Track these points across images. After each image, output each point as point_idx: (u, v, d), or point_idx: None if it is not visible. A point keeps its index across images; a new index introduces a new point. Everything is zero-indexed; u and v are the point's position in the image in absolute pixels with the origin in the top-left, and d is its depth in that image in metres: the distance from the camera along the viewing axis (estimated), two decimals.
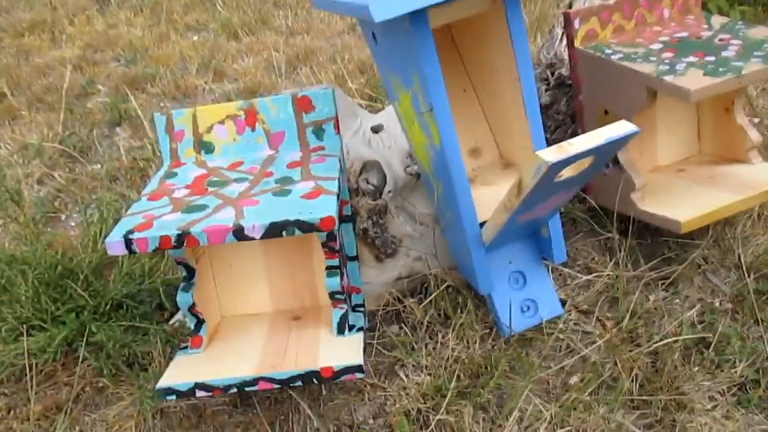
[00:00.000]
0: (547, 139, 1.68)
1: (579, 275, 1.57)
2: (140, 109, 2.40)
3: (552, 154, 0.89)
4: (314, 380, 1.19)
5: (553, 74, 1.80)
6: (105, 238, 1.77)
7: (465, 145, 1.47)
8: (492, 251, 1.39)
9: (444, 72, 1.27)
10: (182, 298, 1.29)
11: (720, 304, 1.52)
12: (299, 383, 1.19)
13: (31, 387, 1.46)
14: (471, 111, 1.48)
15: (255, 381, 1.19)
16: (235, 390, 1.20)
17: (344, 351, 1.24)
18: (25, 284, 1.55)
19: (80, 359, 1.52)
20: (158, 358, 1.48)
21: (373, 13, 1.02)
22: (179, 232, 1.08)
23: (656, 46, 1.46)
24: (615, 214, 1.54)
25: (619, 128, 0.92)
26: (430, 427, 1.29)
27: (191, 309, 1.30)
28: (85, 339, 1.52)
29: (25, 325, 1.54)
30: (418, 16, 1.12)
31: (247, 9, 3.19)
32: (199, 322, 1.34)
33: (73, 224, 1.99)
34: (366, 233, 1.49)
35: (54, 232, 1.89)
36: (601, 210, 1.65)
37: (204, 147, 1.40)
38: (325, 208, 1.09)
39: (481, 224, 1.31)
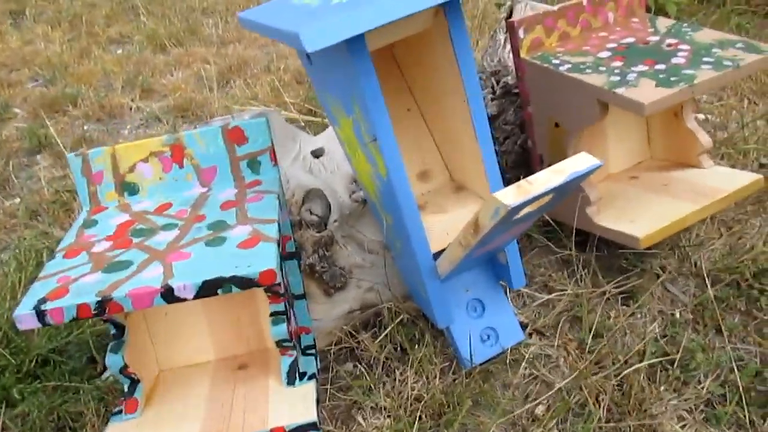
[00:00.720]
0: (497, 152, 1.61)
1: (538, 295, 1.51)
2: (60, 136, 2.22)
3: (511, 195, 0.81)
4: None
5: (498, 82, 1.73)
6: (24, 288, 1.63)
7: (413, 169, 1.39)
8: (447, 281, 1.31)
9: (386, 92, 1.18)
10: (112, 360, 1.16)
11: (680, 315, 1.48)
12: None
13: None
14: (417, 131, 1.40)
15: None
16: None
17: (296, 406, 1.13)
18: None
19: (5, 428, 1.38)
20: (91, 419, 1.34)
21: (304, 42, 0.92)
22: (99, 299, 0.96)
23: (604, 54, 1.40)
24: (573, 230, 1.48)
25: (582, 162, 0.84)
26: None
27: (123, 371, 1.18)
28: (6, 406, 1.37)
29: None
30: (354, 40, 1.02)
31: (174, 19, 3.02)
32: (134, 383, 1.21)
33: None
34: (313, 268, 1.39)
35: None
36: (556, 224, 1.59)
37: (127, 188, 1.27)
38: (265, 259, 0.99)
39: (435, 254, 1.23)
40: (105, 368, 1.49)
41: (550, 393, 1.32)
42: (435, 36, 1.16)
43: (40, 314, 0.95)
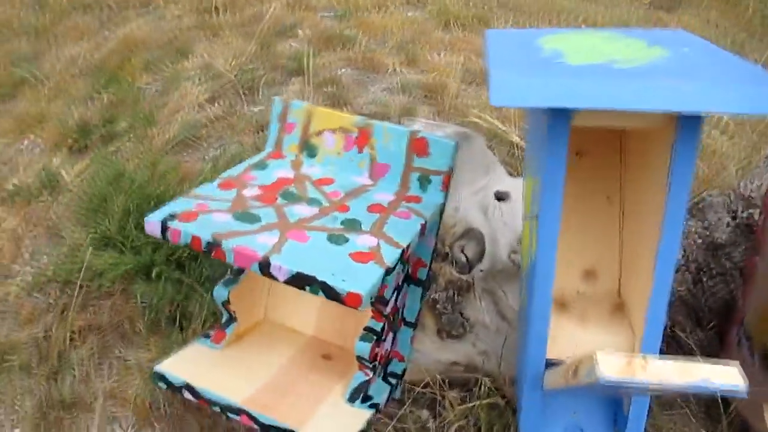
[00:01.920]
0: (693, 289, 1.37)
1: None
2: (318, 69, 2.38)
3: (611, 367, 0.66)
4: None
5: (743, 209, 1.45)
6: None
7: (581, 263, 1.22)
8: (556, 393, 1.15)
9: (595, 169, 1.05)
10: (218, 293, 1.23)
11: None
12: None
13: (76, 300, 1.50)
14: (606, 225, 1.22)
15: (239, 412, 1.10)
16: (217, 409, 1.12)
17: (337, 428, 1.10)
18: (115, 202, 1.59)
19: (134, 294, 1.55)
20: (195, 326, 1.45)
21: (491, 94, 0.83)
22: (211, 240, 1.00)
23: None
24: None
25: (722, 376, 0.65)
26: None
27: (224, 305, 1.24)
28: (147, 277, 1.54)
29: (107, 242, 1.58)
30: (558, 113, 0.90)
31: (470, 3, 3.02)
32: (230, 320, 1.27)
33: (206, 158, 2.03)
34: (435, 304, 1.32)
35: (179, 159, 1.94)
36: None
37: (307, 149, 1.30)
38: (362, 282, 0.94)
39: (552, 363, 1.08)
40: None
41: None
42: (659, 139, 0.98)
43: (164, 228, 1.02)
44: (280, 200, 1.14)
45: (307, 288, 0.95)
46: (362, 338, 1.14)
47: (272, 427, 1.08)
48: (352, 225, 1.09)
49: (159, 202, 1.61)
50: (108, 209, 1.61)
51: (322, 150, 1.29)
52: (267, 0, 2.90)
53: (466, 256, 1.31)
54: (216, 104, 2.24)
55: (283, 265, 0.96)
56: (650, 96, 0.81)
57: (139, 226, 1.57)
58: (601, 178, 1.22)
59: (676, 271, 1.39)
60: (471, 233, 1.33)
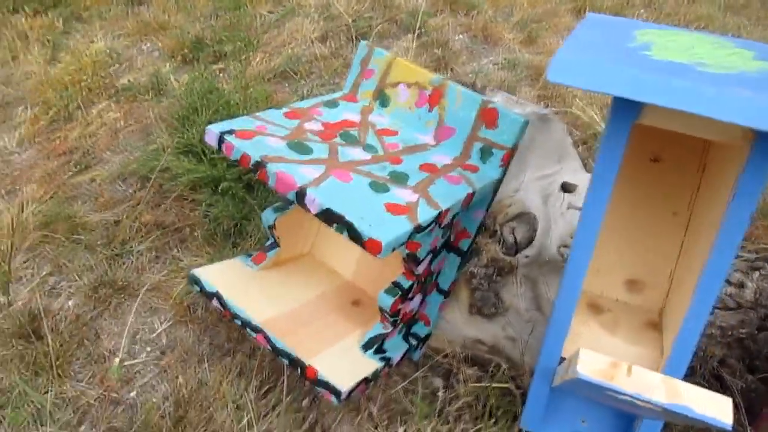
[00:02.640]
0: (756, 333, 1.26)
1: None
2: (436, 27, 2.37)
3: (593, 365, 0.63)
4: (299, 370, 1.11)
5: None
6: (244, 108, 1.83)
7: (626, 272, 1.16)
8: (566, 394, 1.11)
9: (667, 177, 0.99)
10: (266, 216, 1.27)
11: None
12: (286, 362, 1.13)
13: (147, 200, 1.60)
14: (666, 238, 1.15)
15: (257, 330, 1.15)
16: (239, 323, 1.17)
17: (343, 368, 1.12)
18: (205, 115, 1.66)
19: (198, 204, 1.63)
20: (251, 241, 1.52)
21: (550, 68, 0.79)
22: (258, 160, 1.03)
23: None
24: None
25: (714, 408, 0.60)
26: None
27: (270, 229, 1.28)
28: (215, 189, 1.62)
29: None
30: (623, 105, 0.85)
31: None
32: (273, 244, 1.32)
33: (297, 91, 2.07)
34: (471, 278, 1.30)
35: (275, 89, 2.00)
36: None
37: (381, 98, 1.30)
38: (386, 231, 0.95)
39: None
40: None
41: None
42: (737, 155, 0.90)
43: (220, 140, 1.07)
44: (337, 139, 1.16)
45: (334, 226, 0.97)
46: (387, 291, 1.15)
47: (283, 352, 1.12)
48: (398, 178, 1.09)
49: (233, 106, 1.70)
50: (196, 120, 1.69)
51: (394, 101, 1.29)
52: None
53: (515, 238, 1.28)
54: (326, 44, 2.28)
55: (317, 198, 0.98)
56: (722, 104, 0.75)
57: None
58: (673, 188, 1.15)
59: (739, 309, 1.29)
60: (524, 217, 1.29)
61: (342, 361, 1.14)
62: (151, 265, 1.51)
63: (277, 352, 1.13)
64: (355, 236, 0.94)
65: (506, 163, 1.18)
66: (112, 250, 1.52)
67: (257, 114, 1.17)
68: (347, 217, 0.95)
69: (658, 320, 1.12)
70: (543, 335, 1.27)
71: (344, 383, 1.08)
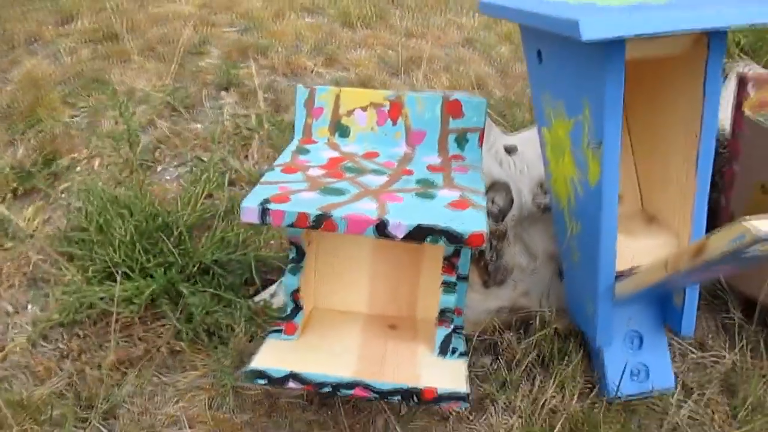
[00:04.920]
0: None
1: (692, 351, 1.46)
2: (248, 79, 2.37)
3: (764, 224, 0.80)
4: (414, 399, 1.11)
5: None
6: (204, 197, 1.74)
7: None
8: (615, 306, 1.29)
9: None
10: (289, 281, 1.23)
11: None
12: (397, 398, 1.11)
13: (114, 331, 1.41)
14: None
15: (352, 385, 1.11)
16: (328, 389, 1.12)
17: (447, 376, 1.15)
18: (122, 228, 1.50)
19: (160, 317, 1.48)
20: (239, 333, 1.42)
21: (582, 30, 0.94)
22: (320, 212, 1.02)
23: None
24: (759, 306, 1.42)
25: None
26: None
27: (294, 294, 1.24)
28: (170, 298, 1.47)
29: (115, 270, 1.49)
30: (616, 44, 1.03)
31: (366, 3, 3.15)
32: (297, 309, 1.27)
33: (168, 177, 1.95)
34: (482, 256, 1.41)
35: (149, 181, 1.86)
36: (728, 287, 1.53)
37: (339, 130, 1.34)
38: (476, 222, 1.01)
39: (617, 276, 1.22)
40: (257, 291, 1.57)
41: None
42: (685, 63, 1.15)
43: (264, 212, 1.02)
44: (348, 174, 1.17)
45: (428, 239, 1.00)
46: (445, 292, 1.20)
47: (392, 391, 1.10)
48: (427, 183, 1.16)
49: (167, 225, 1.56)
50: (108, 239, 1.51)
51: (354, 128, 1.33)
52: (169, 21, 2.82)
53: (499, 206, 1.42)
54: (157, 126, 2.16)
55: (402, 221, 1.00)
56: (700, 17, 0.98)
57: (151, 251, 1.50)
58: None
59: None
60: (497, 185, 1.43)
61: (442, 372, 1.16)
62: (153, 402, 1.33)
63: (384, 394, 1.11)
64: (454, 238, 0.99)
65: (482, 143, 1.31)
66: (100, 413, 1.30)
67: (264, 179, 1.13)
68: (441, 226, 0.99)
69: (650, 216, 1.35)
70: (550, 277, 1.44)
71: (463, 387, 1.11)
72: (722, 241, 0.88)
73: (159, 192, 1.84)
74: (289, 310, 1.27)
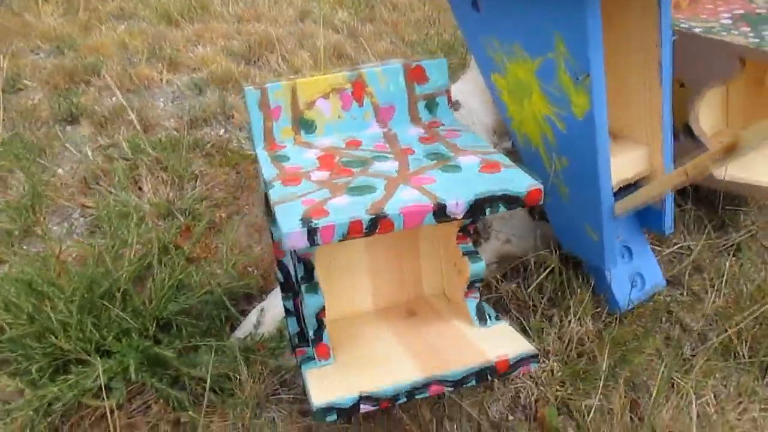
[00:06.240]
0: None
1: (657, 248, 1.58)
2: (96, 103, 2.06)
3: None
4: (489, 376, 1.07)
5: None
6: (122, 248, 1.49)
7: None
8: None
9: None
10: (312, 301, 1.10)
11: None
12: (473, 382, 1.06)
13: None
14: None
15: (426, 385, 1.04)
16: (403, 400, 1.04)
17: (506, 341, 1.12)
18: (55, 312, 1.23)
19: (135, 395, 1.26)
20: (245, 378, 1.26)
21: None
22: (372, 216, 0.91)
23: (726, 21, 1.51)
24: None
25: None
26: (581, 414, 1.21)
27: (320, 313, 1.11)
28: (149, 368, 1.25)
29: (61, 362, 1.23)
30: None
31: None
32: (320, 328, 1.14)
33: (55, 237, 1.64)
34: None
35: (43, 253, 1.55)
36: None
37: (304, 126, 1.21)
38: (524, 179, 0.98)
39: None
40: (232, 327, 1.40)
41: (689, 336, 1.38)
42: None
43: (311, 232, 0.89)
44: (355, 169, 1.07)
45: (487, 210, 0.95)
46: (473, 260, 1.16)
47: (467, 376, 1.05)
48: (439, 156, 1.09)
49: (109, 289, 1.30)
50: (44, 327, 1.23)
51: (320, 120, 1.21)
52: None
53: None
54: (9, 185, 1.80)
55: (458, 200, 0.93)
56: None
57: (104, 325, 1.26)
58: None
59: None
60: None
61: (500, 340, 1.13)
62: None
63: (460, 383, 1.05)
64: (513, 200, 0.95)
65: (451, 102, 1.27)
66: None
67: (275, 199, 0.98)
68: (498, 192, 0.95)
69: (614, 132, 1.41)
70: (552, 207, 1.46)
71: (530, 346, 1.09)
72: (755, 137, 0.95)
73: (64, 258, 1.54)
74: (312, 333, 1.14)
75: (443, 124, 1.23)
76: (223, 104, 2.09)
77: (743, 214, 1.69)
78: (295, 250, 1.09)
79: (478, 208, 0.94)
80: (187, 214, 1.67)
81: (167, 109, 2.15)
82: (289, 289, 1.28)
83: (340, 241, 0.91)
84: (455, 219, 0.94)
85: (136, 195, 1.74)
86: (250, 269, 1.54)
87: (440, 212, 0.93)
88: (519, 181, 0.97)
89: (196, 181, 1.79)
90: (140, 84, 2.28)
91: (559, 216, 1.40)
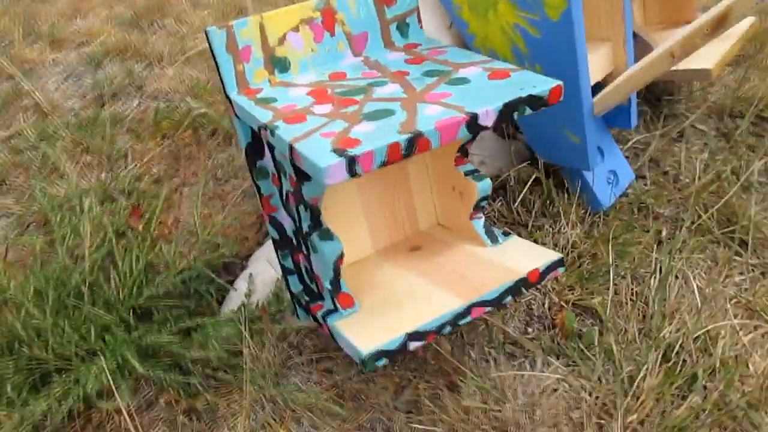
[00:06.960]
0: None
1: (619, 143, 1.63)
2: None
3: None
4: (523, 289, 1.05)
5: None
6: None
7: None
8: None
9: None
10: (332, 248, 1.02)
11: (716, 144, 1.70)
12: (509, 298, 1.05)
13: None
14: None
15: (467, 311, 1.01)
16: (448, 329, 1.00)
17: (526, 253, 1.11)
18: (24, 318, 1.07)
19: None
20: (254, 351, 1.16)
21: None
22: (408, 135, 0.84)
23: None
24: None
25: None
26: (596, 313, 1.24)
27: (338, 260, 1.04)
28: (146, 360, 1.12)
29: (38, 375, 1.08)
30: None
31: None
32: (337, 277, 1.07)
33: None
34: None
35: None
36: None
37: (278, 64, 1.10)
38: (539, 79, 0.95)
39: None
40: (221, 302, 1.29)
41: (662, 222, 1.45)
42: None
43: (351, 162, 0.81)
44: (358, 97, 0.99)
45: (515, 114, 0.91)
46: (479, 179, 1.13)
47: (502, 294, 1.03)
48: (438, 72, 1.03)
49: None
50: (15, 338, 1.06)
51: (293, 56, 1.11)
52: None
53: None
54: None
55: (488, 108, 0.89)
56: None
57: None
58: None
59: None
60: None
61: (520, 253, 1.11)
62: None
63: (497, 300, 1.03)
64: (538, 101, 0.92)
65: (421, 22, 1.21)
66: None
67: (290, 137, 0.88)
68: (522, 95, 0.91)
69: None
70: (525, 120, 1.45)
71: (553, 252, 1.09)
72: (747, 2, 0.97)
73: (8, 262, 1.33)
74: (329, 284, 1.06)
75: (420, 44, 1.17)
76: (131, 75, 1.89)
77: (676, 103, 1.78)
78: (303, 197, 1.01)
79: (506, 113, 0.90)
80: (128, 194, 1.51)
81: (63, 90, 1.91)
82: (286, 246, 1.18)
83: (379, 167, 0.84)
84: (486, 128, 0.90)
85: (59, 183, 1.54)
86: (220, 238, 1.42)
87: (472, 123, 0.88)
88: (539, 82, 0.94)
89: (126, 158, 1.61)
90: (23, 67, 2.01)
91: (534, 126, 1.40)
